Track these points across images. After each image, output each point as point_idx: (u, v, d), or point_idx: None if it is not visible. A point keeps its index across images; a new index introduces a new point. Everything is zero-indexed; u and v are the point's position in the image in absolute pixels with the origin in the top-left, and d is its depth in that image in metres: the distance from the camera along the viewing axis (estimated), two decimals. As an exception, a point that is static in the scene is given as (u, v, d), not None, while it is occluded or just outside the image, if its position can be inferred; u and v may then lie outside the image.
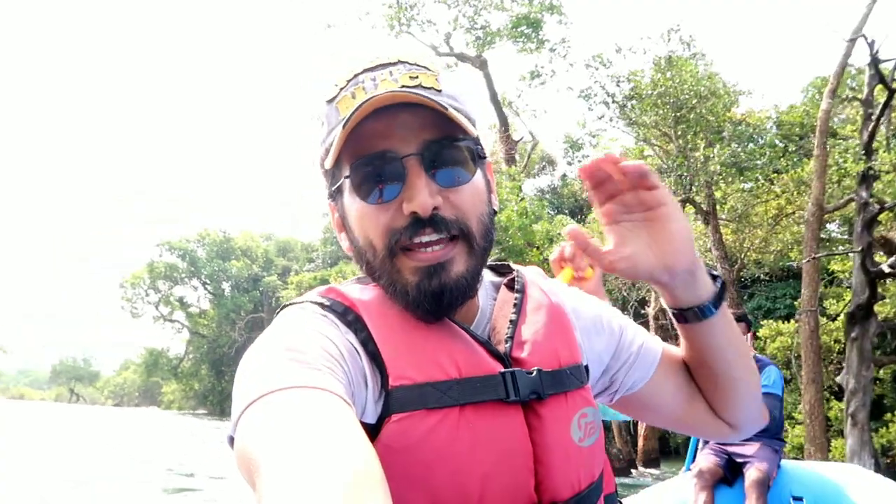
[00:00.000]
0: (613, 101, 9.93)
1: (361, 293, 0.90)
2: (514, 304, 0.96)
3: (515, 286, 1.00)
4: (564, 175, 28.52)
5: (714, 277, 0.98)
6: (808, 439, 8.54)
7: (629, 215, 0.91)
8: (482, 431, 0.82)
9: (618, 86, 9.80)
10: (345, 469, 0.57)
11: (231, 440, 0.73)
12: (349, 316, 0.87)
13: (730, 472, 4.11)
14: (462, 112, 0.87)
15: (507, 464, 0.82)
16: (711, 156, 8.88)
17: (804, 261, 9.02)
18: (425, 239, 0.84)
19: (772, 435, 4.13)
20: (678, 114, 10.07)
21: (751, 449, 4.07)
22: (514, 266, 1.06)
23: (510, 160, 11.43)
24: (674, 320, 1.01)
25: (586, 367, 0.99)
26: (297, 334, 0.81)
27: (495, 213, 0.95)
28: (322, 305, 0.88)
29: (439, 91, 0.87)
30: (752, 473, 3.88)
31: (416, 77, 0.86)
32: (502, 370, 0.86)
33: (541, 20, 9.82)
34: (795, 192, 10.93)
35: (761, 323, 15.79)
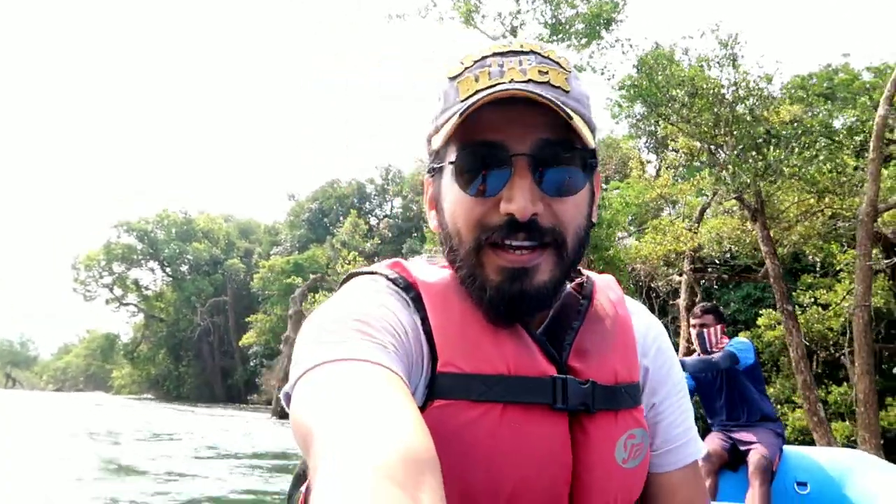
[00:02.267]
0: (674, 101, 10.25)
1: (425, 273, 0.88)
2: (579, 311, 0.92)
3: (584, 291, 0.95)
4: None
5: None
6: (862, 426, 9.12)
7: None
8: (524, 434, 0.80)
9: (679, 85, 10.12)
10: (399, 448, 0.56)
11: (287, 397, 0.74)
12: (411, 293, 0.86)
13: (734, 457, 4.06)
14: (584, 118, 0.83)
15: (543, 471, 0.81)
16: (781, 157, 9.29)
17: (858, 259, 9.56)
18: (516, 243, 0.80)
19: (772, 419, 4.12)
20: (735, 114, 10.47)
21: (753, 435, 4.00)
22: (584, 272, 1.00)
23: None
24: None
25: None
26: (366, 306, 0.80)
27: (593, 225, 0.91)
28: (388, 279, 0.87)
29: (567, 92, 0.82)
30: (755, 459, 3.80)
31: (546, 73, 0.81)
32: (554, 375, 0.83)
33: (614, 19, 10.08)
34: (828, 192, 11.52)
35: (760, 312, 16.55)
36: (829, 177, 10.91)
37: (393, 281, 0.87)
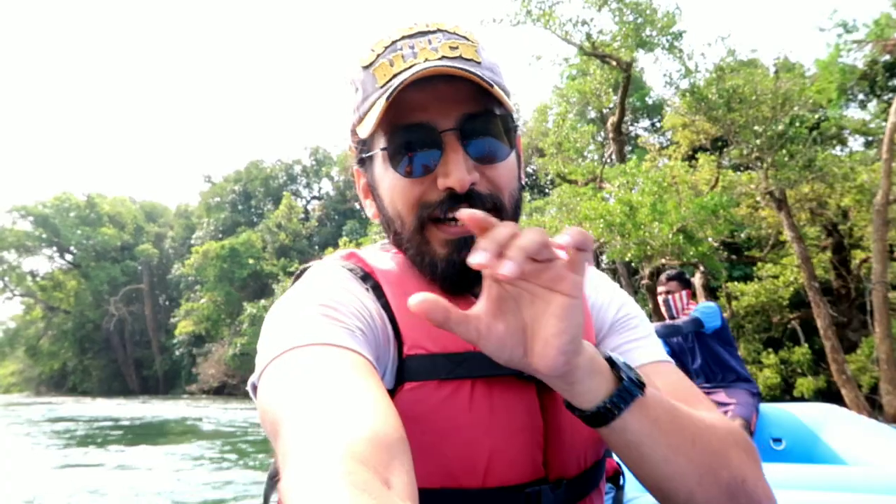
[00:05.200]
0: (726, 104, 11.64)
1: (380, 260, 0.90)
2: None
3: None
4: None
5: (613, 365, 0.76)
6: (886, 380, 11.06)
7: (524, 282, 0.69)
8: (494, 405, 0.82)
9: (733, 94, 11.50)
10: (369, 431, 0.56)
11: (254, 388, 0.74)
12: (369, 282, 0.86)
13: None
14: (499, 85, 0.85)
15: (517, 439, 0.82)
16: (825, 156, 10.91)
17: (875, 242, 11.47)
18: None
19: (746, 380, 4.20)
20: (771, 116, 12.04)
21: (729, 396, 4.06)
22: None
23: (622, 158, 12.61)
24: None
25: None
26: (331, 291, 0.81)
27: (524, 186, 0.93)
28: (347, 269, 0.88)
29: (479, 63, 0.85)
30: (733, 419, 3.76)
31: (457, 47, 0.84)
32: None
33: (682, 33, 11.19)
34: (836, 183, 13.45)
35: (726, 285, 18.64)
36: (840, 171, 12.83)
37: (352, 272, 0.88)
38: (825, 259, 18.05)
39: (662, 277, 4.58)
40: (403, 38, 0.85)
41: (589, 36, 11.04)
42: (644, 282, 13.12)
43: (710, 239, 10.17)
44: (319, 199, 42.58)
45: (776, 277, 18.39)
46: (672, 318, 4.37)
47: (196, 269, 36.66)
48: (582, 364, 0.71)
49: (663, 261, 10.40)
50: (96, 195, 49.65)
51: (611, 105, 13.43)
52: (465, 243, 0.82)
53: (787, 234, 12.56)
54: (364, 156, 0.90)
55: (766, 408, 4.13)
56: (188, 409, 25.44)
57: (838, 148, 17.43)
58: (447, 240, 0.84)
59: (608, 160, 14.05)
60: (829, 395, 16.69)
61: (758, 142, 12.03)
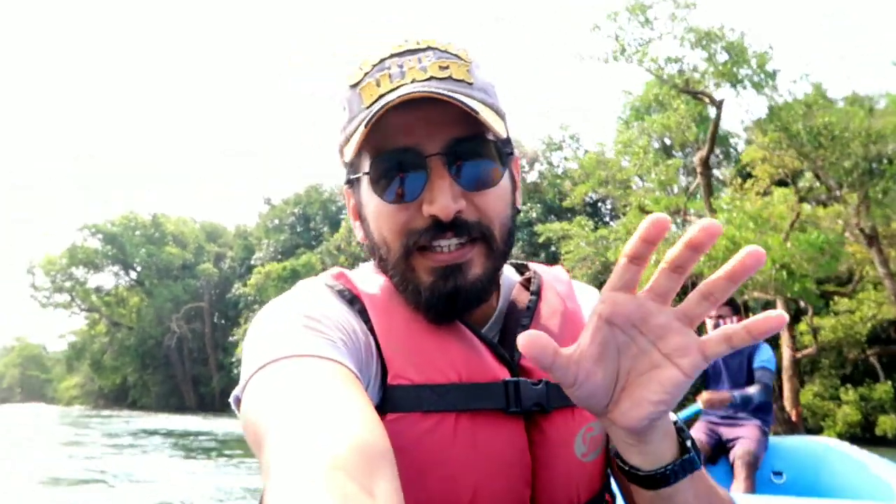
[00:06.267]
0: (815, 140, 11.71)
1: (368, 284, 0.87)
2: (528, 308, 0.91)
3: (531, 287, 0.95)
4: (542, 174, 30.28)
5: (681, 434, 0.75)
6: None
7: (637, 330, 0.64)
8: (479, 440, 0.79)
9: (824, 131, 11.57)
10: (352, 441, 0.56)
11: (237, 401, 0.73)
12: (356, 305, 0.85)
13: (716, 451, 4.06)
14: (493, 107, 0.83)
15: (502, 475, 0.80)
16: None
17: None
18: (444, 243, 0.80)
19: (762, 416, 4.10)
20: (862, 153, 12.03)
21: (742, 430, 4.02)
22: (532, 265, 1.01)
23: (710, 192, 12.74)
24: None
25: None
26: (315, 304, 0.80)
27: (518, 212, 0.91)
28: (335, 290, 0.86)
29: (471, 84, 0.82)
30: (742, 454, 3.82)
31: (447, 67, 0.81)
32: (506, 378, 0.82)
33: (777, 72, 11.37)
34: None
35: (812, 319, 18.11)
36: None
37: (339, 293, 0.86)
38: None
39: None
40: (393, 55, 0.83)
41: (681, 73, 11.28)
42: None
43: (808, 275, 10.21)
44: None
45: (852, 312, 18.07)
46: None
47: (257, 290, 37.63)
48: (659, 426, 0.69)
49: (756, 295, 10.46)
50: (161, 215, 51.45)
51: (694, 139, 13.58)
52: (451, 272, 0.81)
53: (879, 271, 12.45)
54: (351, 177, 0.89)
55: (769, 440, 4.09)
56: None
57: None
58: (433, 267, 0.82)
59: (694, 193, 14.15)
60: (915, 435, 16.21)
61: (849, 178, 12.02)
